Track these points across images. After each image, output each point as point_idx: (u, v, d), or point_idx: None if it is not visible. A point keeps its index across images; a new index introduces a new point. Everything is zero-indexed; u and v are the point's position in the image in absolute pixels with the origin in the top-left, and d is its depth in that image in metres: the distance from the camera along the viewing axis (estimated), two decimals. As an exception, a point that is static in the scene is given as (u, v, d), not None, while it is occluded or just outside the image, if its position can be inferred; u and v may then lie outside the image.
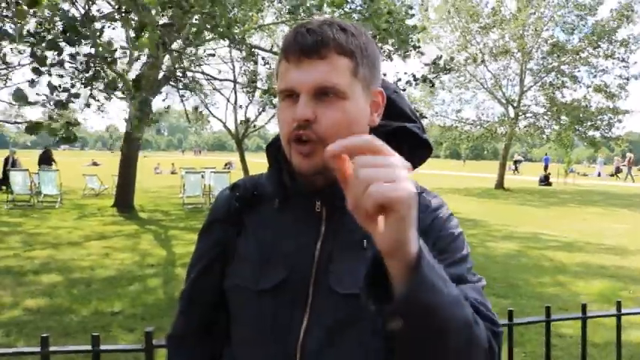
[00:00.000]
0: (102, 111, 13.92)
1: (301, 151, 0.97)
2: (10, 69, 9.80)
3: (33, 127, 4.55)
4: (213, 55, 13.28)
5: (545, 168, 39.26)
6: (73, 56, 5.75)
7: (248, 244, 1.09)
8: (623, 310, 2.10)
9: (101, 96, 7.31)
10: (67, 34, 5.11)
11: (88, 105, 7.02)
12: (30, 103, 4.69)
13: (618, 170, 33.92)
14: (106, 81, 6.09)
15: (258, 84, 15.18)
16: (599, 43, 24.89)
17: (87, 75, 6.05)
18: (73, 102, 5.72)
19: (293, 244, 1.04)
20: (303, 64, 0.95)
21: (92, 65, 6.01)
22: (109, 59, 5.51)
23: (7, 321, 5.21)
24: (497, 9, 25.29)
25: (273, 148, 1.12)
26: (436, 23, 26.18)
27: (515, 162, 44.89)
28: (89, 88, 6.36)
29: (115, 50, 5.56)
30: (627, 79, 25.51)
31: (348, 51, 0.97)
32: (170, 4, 5.64)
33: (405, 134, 1.12)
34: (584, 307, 2.06)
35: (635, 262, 8.58)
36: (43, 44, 5.21)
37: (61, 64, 5.51)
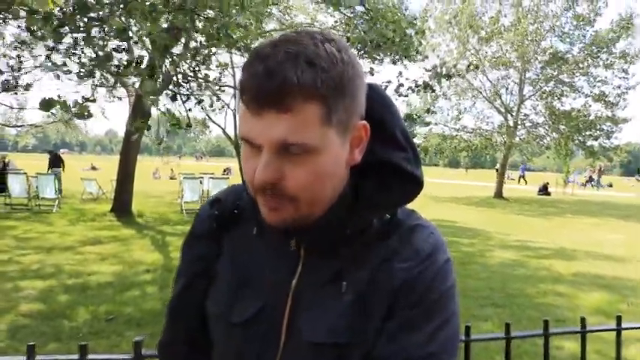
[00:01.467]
0: (113, 97, 13.72)
1: (268, 205, 0.85)
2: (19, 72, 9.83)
3: (46, 104, 4.49)
4: (225, 65, 13.26)
5: (520, 178, 39.79)
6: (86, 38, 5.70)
7: (225, 268, 1.01)
8: (624, 325, 2.07)
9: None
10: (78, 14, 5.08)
11: (99, 85, 6.91)
12: (52, 109, 4.68)
13: (591, 179, 34.08)
14: (118, 63, 6.00)
15: None
16: (599, 53, 25.05)
17: (99, 56, 5.97)
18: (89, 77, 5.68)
19: (268, 278, 0.95)
20: (264, 117, 0.78)
21: (102, 48, 5.95)
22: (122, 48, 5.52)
23: (0, 326, 5.17)
24: (497, 19, 25.42)
25: None
26: (436, 32, 26.27)
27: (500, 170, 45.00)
28: (101, 70, 6.29)
29: (129, 37, 5.49)
30: (627, 89, 25.64)
31: (318, 95, 0.78)
32: (174, 11, 5.60)
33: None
34: (583, 321, 2.03)
35: (631, 273, 8.57)
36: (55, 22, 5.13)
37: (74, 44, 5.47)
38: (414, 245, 0.92)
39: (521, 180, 42.02)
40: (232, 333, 0.95)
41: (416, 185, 0.93)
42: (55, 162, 20.10)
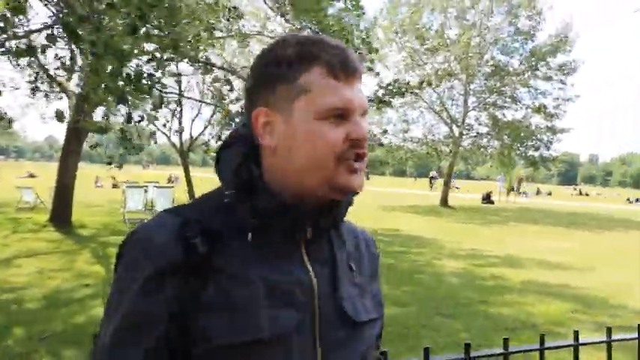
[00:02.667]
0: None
1: (354, 168, 0.94)
2: None
3: None
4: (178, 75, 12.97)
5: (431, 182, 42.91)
6: None
7: (230, 290, 0.87)
8: (581, 340, 2.02)
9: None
10: None
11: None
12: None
13: (512, 188, 35.50)
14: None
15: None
16: (538, 66, 26.02)
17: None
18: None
19: (288, 278, 0.92)
20: (355, 85, 0.96)
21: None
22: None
23: None
24: (442, 31, 26.01)
25: (240, 172, 0.95)
26: (384, 42, 26.56)
27: (431, 178, 46.55)
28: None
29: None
30: (565, 100, 26.71)
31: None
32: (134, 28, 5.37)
33: None
34: (542, 338, 1.98)
35: (578, 280, 8.77)
36: None
37: None
38: (364, 231, 1.18)
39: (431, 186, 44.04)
40: (265, 351, 0.87)
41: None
42: None
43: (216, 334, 0.86)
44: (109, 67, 4.54)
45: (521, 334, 5.74)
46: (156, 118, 7.41)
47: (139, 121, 6.61)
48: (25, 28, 6.68)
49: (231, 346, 0.86)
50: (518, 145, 26.77)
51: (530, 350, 2.10)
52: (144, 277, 0.87)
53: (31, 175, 37.61)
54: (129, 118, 5.96)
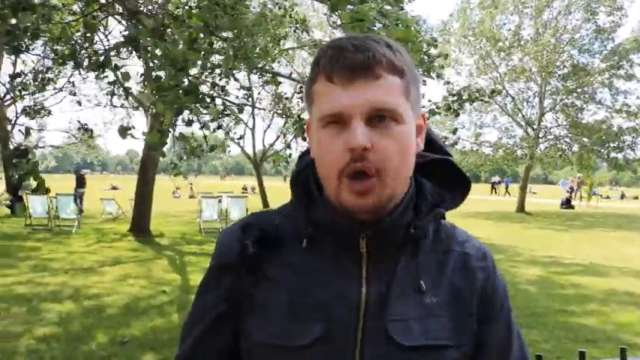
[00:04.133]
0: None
1: (358, 189, 0.85)
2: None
3: (123, 131, 4.71)
4: (248, 89, 13.24)
5: (502, 188, 41.91)
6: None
7: (272, 293, 0.93)
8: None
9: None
10: None
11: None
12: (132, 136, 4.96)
13: (572, 189, 33.66)
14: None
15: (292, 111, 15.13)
16: (620, 64, 24.69)
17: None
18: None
19: (330, 291, 0.90)
20: (355, 85, 0.84)
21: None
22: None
23: (13, 349, 5.07)
24: (516, 31, 25.23)
25: (301, 180, 0.97)
26: (455, 47, 26.11)
27: (493, 184, 45.13)
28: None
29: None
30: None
31: (400, 69, 0.87)
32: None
33: (443, 167, 1.00)
34: (623, 352, 1.85)
35: (665, 290, 8.23)
36: None
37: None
38: (475, 245, 1.01)
39: (506, 193, 42.51)
40: (297, 358, 0.90)
41: (467, 186, 0.99)
42: (80, 182, 20.23)
43: (253, 331, 0.93)
44: (169, 78, 4.69)
45: (603, 346, 5.43)
46: (218, 127, 7.59)
47: (201, 128, 6.78)
48: (105, 45, 7.02)
49: (264, 346, 0.91)
50: (600, 147, 25.47)
51: (609, 363, 1.98)
52: (211, 270, 1.01)
53: (114, 188, 39.49)
54: (189, 123, 6.15)
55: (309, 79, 0.92)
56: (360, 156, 0.83)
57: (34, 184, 15.43)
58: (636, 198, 44.58)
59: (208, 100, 5.94)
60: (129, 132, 4.96)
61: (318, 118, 0.88)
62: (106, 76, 6.02)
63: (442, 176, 0.98)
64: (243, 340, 0.94)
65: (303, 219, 0.93)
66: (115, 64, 5.51)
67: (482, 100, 10.82)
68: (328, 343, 0.87)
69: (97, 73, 5.53)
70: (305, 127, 0.99)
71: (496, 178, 45.24)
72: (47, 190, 16.04)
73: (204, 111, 5.72)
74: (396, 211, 0.90)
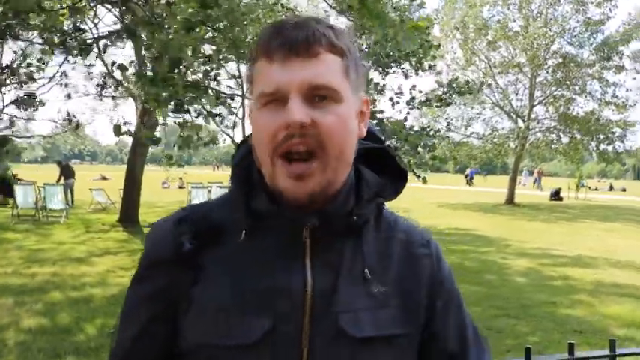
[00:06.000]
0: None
1: (296, 172, 0.81)
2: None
3: (117, 129, 4.73)
4: (238, 77, 13.14)
5: (471, 179, 43.45)
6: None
7: (212, 290, 0.86)
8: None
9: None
10: None
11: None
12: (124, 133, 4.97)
13: (536, 181, 34.14)
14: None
15: None
16: (610, 56, 24.74)
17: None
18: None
19: (273, 284, 0.85)
20: (292, 62, 0.81)
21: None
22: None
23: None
24: (505, 23, 25.21)
25: (241, 168, 0.92)
26: (442, 39, 26.04)
27: (466, 176, 45.59)
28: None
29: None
30: (638, 89, 25.40)
31: (339, 49, 0.84)
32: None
33: (381, 157, 0.97)
34: (612, 344, 1.84)
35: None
36: None
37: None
38: (416, 230, 0.99)
39: (470, 183, 43.87)
40: (241, 357, 0.84)
41: (405, 176, 0.97)
42: (67, 173, 19.92)
43: (192, 332, 0.87)
44: (164, 71, 4.63)
45: (591, 337, 5.47)
46: (214, 115, 7.53)
47: (197, 116, 6.74)
48: (94, 34, 6.93)
49: (205, 346, 0.86)
50: (589, 139, 25.56)
51: (600, 357, 1.97)
52: (142, 266, 0.94)
53: (104, 178, 39.19)
54: (186, 110, 6.11)
55: (250, 60, 0.89)
56: (297, 132, 0.80)
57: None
58: (624, 190, 44.91)
59: (202, 91, 5.89)
60: (123, 131, 4.94)
61: (256, 97, 0.84)
62: (93, 65, 5.96)
63: (379, 166, 0.95)
64: (182, 342, 0.88)
65: (242, 209, 0.88)
66: (101, 50, 5.43)
67: (471, 93, 10.83)
68: (275, 338, 0.83)
69: (84, 59, 5.48)
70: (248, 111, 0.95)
71: (470, 170, 45.76)
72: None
73: (203, 100, 5.68)
74: (339, 198, 0.87)
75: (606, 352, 1.87)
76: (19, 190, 14.83)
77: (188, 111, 6.49)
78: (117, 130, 4.90)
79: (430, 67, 10.83)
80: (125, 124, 5.03)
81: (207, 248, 0.88)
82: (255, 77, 0.86)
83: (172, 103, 4.83)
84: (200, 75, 6.53)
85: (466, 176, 45.77)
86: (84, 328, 5.50)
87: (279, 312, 0.84)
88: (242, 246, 0.88)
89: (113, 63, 6.24)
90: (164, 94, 4.46)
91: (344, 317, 0.85)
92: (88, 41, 5.88)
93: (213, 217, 0.91)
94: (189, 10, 5.17)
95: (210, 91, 6.24)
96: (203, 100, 5.72)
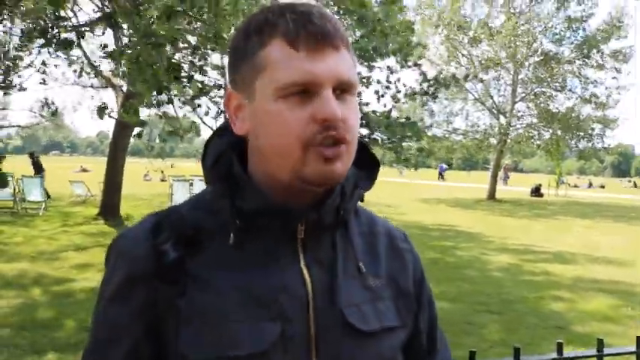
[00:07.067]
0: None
1: (330, 155, 0.78)
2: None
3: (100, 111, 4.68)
4: (222, 68, 13.03)
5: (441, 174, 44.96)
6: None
7: (206, 299, 0.80)
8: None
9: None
10: None
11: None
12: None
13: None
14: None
15: None
16: (590, 54, 25.02)
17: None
18: None
19: (271, 285, 0.81)
20: (322, 54, 0.78)
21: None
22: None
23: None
24: (485, 21, 25.35)
25: (221, 165, 0.86)
26: (423, 35, 26.07)
27: (440, 171, 46.38)
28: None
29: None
30: (618, 89, 25.74)
31: (348, 43, 0.84)
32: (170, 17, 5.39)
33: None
34: (600, 343, 1.84)
35: (629, 276, 8.41)
36: None
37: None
38: (391, 225, 1.00)
39: (440, 178, 45.18)
40: None
41: (377, 166, 0.94)
42: (38, 167, 19.59)
43: (188, 348, 0.79)
44: (148, 56, 4.55)
45: (573, 331, 5.52)
46: (198, 105, 7.44)
47: (182, 105, 6.68)
48: (73, 23, 6.81)
49: None
50: (570, 136, 25.86)
51: (588, 357, 1.97)
52: (116, 284, 0.84)
53: (84, 170, 38.73)
54: (169, 101, 6.02)
55: (251, 43, 0.82)
56: (334, 127, 0.78)
57: None
58: (602, 187, 45.55)
59: (185, 80, 5.81)
60: (106, 112, 4.85)
61: (276, 86, 0.78)
62: (72, 55, 5.87)
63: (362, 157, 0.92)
64: None
65: (229, 208, 0.83)
66: (80, 39, 5.34)
67: (456, 85, 10.88)
68: (285, 342, 0.79)
69: (68, 51, 5.38)
70: (226, 99, 0.88)
71: (442, 166, 46.51)
72: None
73: (187, 88, 5.61)
74: (334, 193, 0.85)
75: (594, 351, 1.87)
76: (-4, 182, 14.57)
77: (171, 101, 6.40)
78: (100, 112, 4.81)
79: (416, 64, 10.88)
80: (107, 108, 4.95)
81: (191, 255, 0.82)
82: (270, 64, 0.79)
83: (154, 85, 4.71)
84: (187, 64, 6.46)
85: (440, 172, 46.50)
86: (64, 324, 5.40)
87: (284, 314, 0.80)
88: (231, 249, 0.82)
89: (105, 46, 6.09)
90: (148, 78, 4.37)
91: (349, 312, 0.84)
92: (68, 29, 5.76)
93: (190, 221, 0.85)
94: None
95: (193, 80, 6.16)
96: (187, 87, 5.65)
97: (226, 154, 0.86)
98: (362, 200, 0.93)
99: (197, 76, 6.58)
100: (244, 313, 0.79)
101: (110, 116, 4.94)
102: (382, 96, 9.08)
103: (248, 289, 0.80)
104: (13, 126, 24.07)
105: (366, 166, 0.93)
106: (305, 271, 0.83)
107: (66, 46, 5.22)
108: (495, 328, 5.67)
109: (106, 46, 5.64)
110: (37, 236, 10.76)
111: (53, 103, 11.79)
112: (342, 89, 0.80)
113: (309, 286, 0.83)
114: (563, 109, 26.00)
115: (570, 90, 25.94)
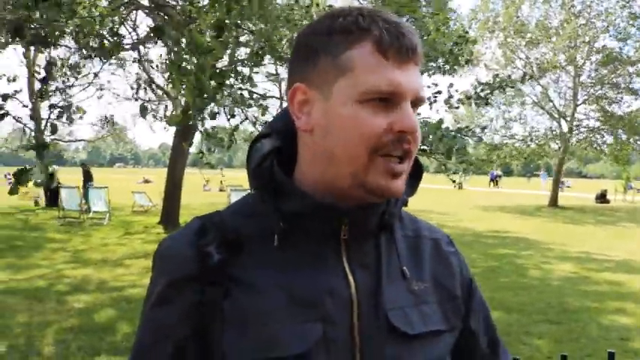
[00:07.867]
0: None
1: (397, 171, 0.80)
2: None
3: (143, 109, 4.96)
4: (275, 76, 13.22)
5: (493, 181, 43.77)
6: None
7: (250, 301, 0.80)
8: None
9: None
10: None
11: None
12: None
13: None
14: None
15: None
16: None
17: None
18: None
19: (316, 287, 0.81)
20: (408, 67, 0.81)
21: None
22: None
23: (42, 339, 5.15)
24: (543, 23, 24.60)
25: (263, 169, 0.85)
26: (479, 39, 25.56)
27: (491, 178, 44.75)
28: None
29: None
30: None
31: (422, 61, 0.85)
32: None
33: None
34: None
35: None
36: None
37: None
38: (439, 230, 1.01)
39: (491, 184, 44.09)
40: None
41: (421, 173, 0.93)
42: (88, 176, 20.24)
43: (232, 350, 0.79)
44: (194, 64, 4.65)
45: (637, 344, 5.26)
46: (246, 117, 7.52)
47: (229, 119, 6.79)
48: (133, 39, 7.06)
49: None
50: (637, 139, 24.71)
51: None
52: (162, 285, 0.84)
53: (147, 181, 39.91)
54: (213, 116, 6.13)
55: (335, 42, 0.82)
56: (408, 139, 0.80)
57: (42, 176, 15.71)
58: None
59: (230, 90, 5.91)
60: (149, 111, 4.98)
61: (360, 90, 0.79)
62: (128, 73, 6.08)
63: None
64: None
65: (273, 212, 0.83)
66: (140, 55, 5.53)
67: (513, 87, 10.56)
68: (328, 343, 0.79)
69: (123, 67, 5.60)
70: (291, 92, 0.86)
71: (495, 172, 45.05)
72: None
73: (229, 99, 5.70)
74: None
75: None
76: (63, 193, 15.27)
77: (233, 116, 6.51)
78: (143, 110, 4.96)
79: (467, 61, 10.66)
80: (147, 108, 5.10)
81: (235, 258, 0.83)
82: (356, 67, 0.80)
83: (198, 89, 4.79)
84: (232, 75, 6.58)
85: (491, 178, 45.29)
86: (120, 328, 5.59)
87: (327, 316, 0.80)
88: (275, 251, 0.83)
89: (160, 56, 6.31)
90: (192, 79, 4.46)
91: (394, 315, 0.83)
92: (126, 46, 6.00)
93: (232, 225, 0.86)
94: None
95: (233, 88, 6.24)
96: (231, 98, 5.74)
97: (269, 158, 0.86)
98: (405, 205, 0.93)
99: (246, 86, 6.68)
100: (288, 314, 0.79)
101: (155, 117, 5.12)
102: (434, 102, 8.93)
103: (291, 290, 0.80)
104: (79, 140, 25.20)
105: (412, 172, 0.91)
106: (349, 274, 0.83)
107: (122, 63, 5.44)
108: (554, 337, 5.47)
109: (158, 64, 5.86)
110: (100, 245, 11.20)
111: (112, 117, 12.31)
112: (414, 104, 0.82)
113: (353, 289, 0.82)
114: (629, 112, 24.83)
115: (636, 92, 24.71)
